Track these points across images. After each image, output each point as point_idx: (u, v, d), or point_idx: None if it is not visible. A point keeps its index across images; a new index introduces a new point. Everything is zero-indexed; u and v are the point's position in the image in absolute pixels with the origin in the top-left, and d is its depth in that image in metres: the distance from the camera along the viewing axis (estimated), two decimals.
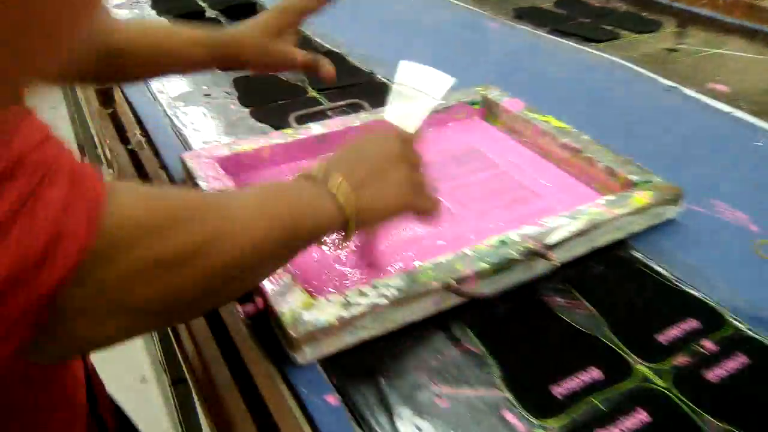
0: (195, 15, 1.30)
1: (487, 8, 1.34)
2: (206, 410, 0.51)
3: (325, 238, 0.47)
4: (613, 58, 1.07)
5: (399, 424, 0.45)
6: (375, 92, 0.93)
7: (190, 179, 0.67)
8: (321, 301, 0.50)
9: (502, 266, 0.55)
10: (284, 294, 0.50)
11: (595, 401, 0.46)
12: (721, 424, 0.44)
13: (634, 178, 0.66)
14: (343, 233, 0.46)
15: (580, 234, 0.59)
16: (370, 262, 0.58)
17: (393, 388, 0.47)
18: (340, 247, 0.56)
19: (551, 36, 1.18)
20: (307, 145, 0.74)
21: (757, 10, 1.22)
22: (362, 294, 0.50)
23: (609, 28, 1.22)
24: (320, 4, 0.66)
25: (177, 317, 0.43)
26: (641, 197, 0.63)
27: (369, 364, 0.49)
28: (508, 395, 0.47)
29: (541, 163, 0.75)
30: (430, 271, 0.53)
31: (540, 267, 0.57)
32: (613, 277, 0.58)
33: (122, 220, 0.31)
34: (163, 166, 0.75)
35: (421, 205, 0.51)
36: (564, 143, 0.73)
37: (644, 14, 1.30)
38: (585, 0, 1.39)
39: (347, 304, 0.50)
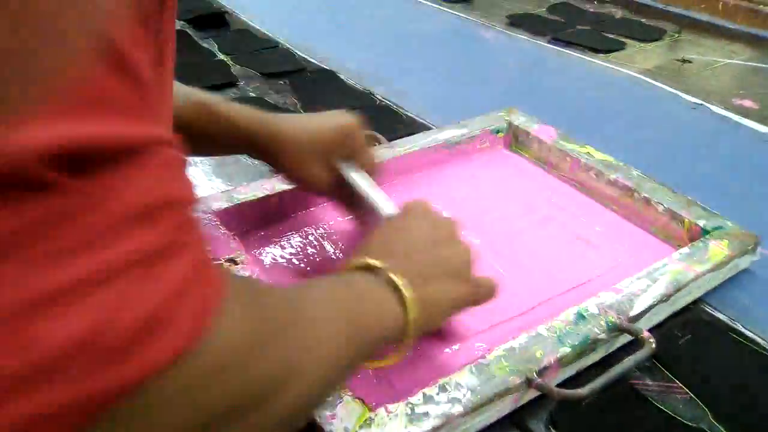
0: None
1: (477, 15, 1.25)
2: None
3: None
4: (629, 72, 0.99)
5: None
6: (379, 116, 0.83)
7: None
8: (381, 414, 0.40)
9: (585, 348, 0.46)
10: (333, 407, 0.40)
11: None
12: None
13: (702, 223, 0.59)
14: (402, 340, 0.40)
15: (665, 300, 0.50)
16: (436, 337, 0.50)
17: None
18: (401, 358, 0.41)
19: (552, 46, 1.10)
20: (268, 204, 0.61)
21: (761, 16, 1.17)
22: (429, 399, 0.41)
23: (611, 36, 1.15)
24: (373, 166, 0.56)
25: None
26: (719, 248, 0.55)
27: None
28: None
29: (588, 203, 0.66)
30: (504, 361, 0.44)
31: (642, 356, 0.46)
32: (704, 349, 0.50)
33: (225, 342, 0.26)
34: None
35: (482, 291, 0.46)
36: (613, 180, 0.65)
37: (643, 20, 1.23)
38: (578, 5, 1.31)
39: (413, 416, 0.40)
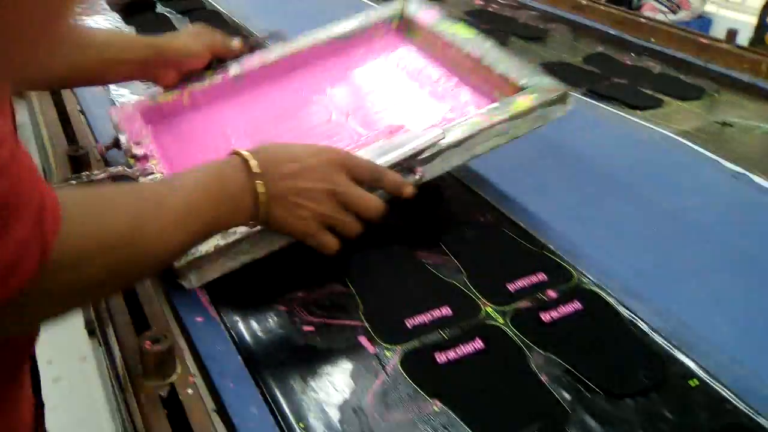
0: None
1: None
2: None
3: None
4: (666, 132, 0.95)
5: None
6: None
7: (116, 132, 0.72)
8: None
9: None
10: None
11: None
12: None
13: (523, 81, 0.68)
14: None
15: (456, 145, 0.61)
16: None
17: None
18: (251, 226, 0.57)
19: (587, 99, 1.07)
20: (224, 86, 0.77)
21: None
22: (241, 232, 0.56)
23: (649, 92, 1.11)
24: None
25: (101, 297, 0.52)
26: (523, 101, 0.65)
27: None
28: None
29: (448, 77, 0.76)
30: None
31: (411, 179, 0.60)
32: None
33: (69, 249, 0.38)
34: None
35: (320, 242, 0.56)
36: (467, 53, 0.74)
37: (682, 77, 1.19)
38: (616, 57, 1.28)
39: (225, 234, 0.55)
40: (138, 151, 0.67)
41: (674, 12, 3.42)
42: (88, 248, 0.40)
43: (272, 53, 0.80)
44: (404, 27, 0.83)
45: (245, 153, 0.52)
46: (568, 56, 1.27)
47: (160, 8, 1.41)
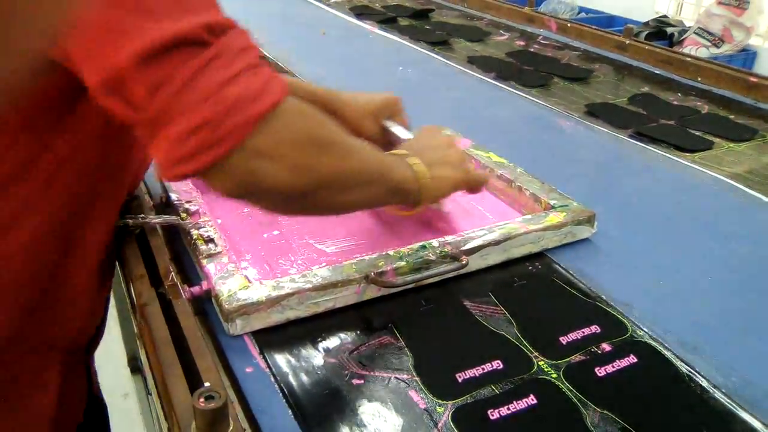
0: None
1: (555, 102, 1.22)
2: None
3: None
4: (718, 175, 0.93)
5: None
6: None
7: (167, 191, 0.75)
8: (255, 285, 0.59)
9: (419, 265, 0.64)
10: (226, 278, 0.60)
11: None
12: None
13: (553, 202, 0.76)
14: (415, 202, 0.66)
15: (495, 243, 0.68)
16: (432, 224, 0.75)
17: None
18: (414, 210, 0.69)
19: (635, 141, 1.05)
20: None
21: None
22: (292, 280, 0.60)
23: (697, 133, 1.09)
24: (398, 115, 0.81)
25: (312, 190, 0.54)
26: (556, 217, 0.73)
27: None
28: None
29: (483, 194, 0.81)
30: (353, 265, 0.62)
31: (454, 267, 0.65)
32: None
33: (295, 105, 0.51)
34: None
35: (473, 179, 0.72)
36: (500, 174, 0.83)
37: (731, 117, 1.17)
38: (661, 97, 1.26)
39: (277, 287, 0.58)
40: (191, 207, 0.71)
41: (717, 46, 3.38)
42: (308, 112, 0.53)
43: None
44: None
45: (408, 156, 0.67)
46: (612, 97, 1.27)
47: None
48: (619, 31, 3.20)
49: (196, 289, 0.61)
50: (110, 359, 1.67)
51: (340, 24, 1.79)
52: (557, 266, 0.70)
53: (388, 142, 0.76)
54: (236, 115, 0.46)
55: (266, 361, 0.56)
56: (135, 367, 1.70)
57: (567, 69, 1.41)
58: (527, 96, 1.25)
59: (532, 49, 1.57)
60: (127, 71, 0.43)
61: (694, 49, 3.25)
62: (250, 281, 0.59)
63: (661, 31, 3.42)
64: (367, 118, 0.77)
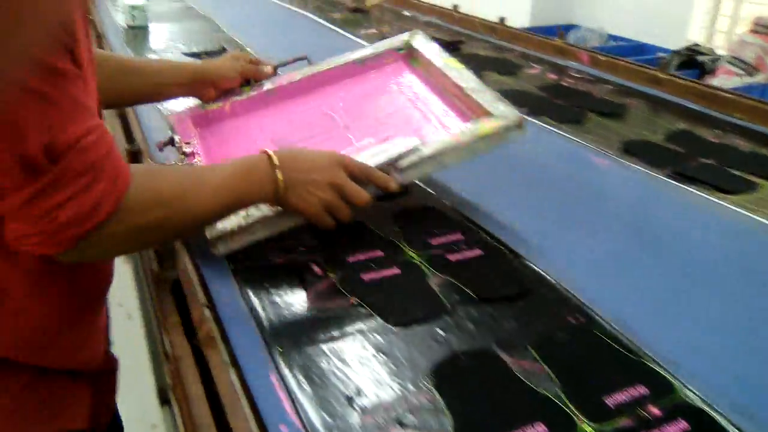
0: None
1: (590, 138, 1.20)
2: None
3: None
4: (762, 220, 0.90)
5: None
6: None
7: (172, 132, 0.96)
8: (232, 216, 0.73)
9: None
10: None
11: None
12: None
13: (491, 109, 0.84)
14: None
15: (429, 158, 0.80)
16: None
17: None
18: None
19: (673, 182, 1.03)
20: (259, 98, 0.99)
21: None
22: (259, 209, 0.75)
23: (739, 174, 1.06)
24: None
25: (152, 245, 0.75)
26: (487, 124, 0.82)
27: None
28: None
29: (435, 100, 0.94)
30: None
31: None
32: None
33: (135, 199, 0.59)
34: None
35: (322, 221, 0.75)
36: (454, 82, 0.91)
37: None
38: (699, 134, 1.24)
39: (246, 216, 0.74)
40: (187, 149, 0.88)
41: (750, 74, 3.33)
42: (148, 200, 0.61)
43: (299, 73, 1.02)
44: (410, 56, 1.02)
45: (270, 151, 0.72)
46: (648, 133, 1.24)
47: None
48: (650, 60, 3.17)
49: None
50: (137, 386, 1.67)
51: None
52: (601, 317, 0.68)
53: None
54: (64, 233, 0.55)
55: (300, 419, 0.54)
56: (164, 399, 1.69)
57: (600, 104, 1.39)
58: (560, 132, 1.23)
59: (564, 83, 1.55)
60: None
61: (727, 78, 3.21)
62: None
63: (692, 60, 3.38)
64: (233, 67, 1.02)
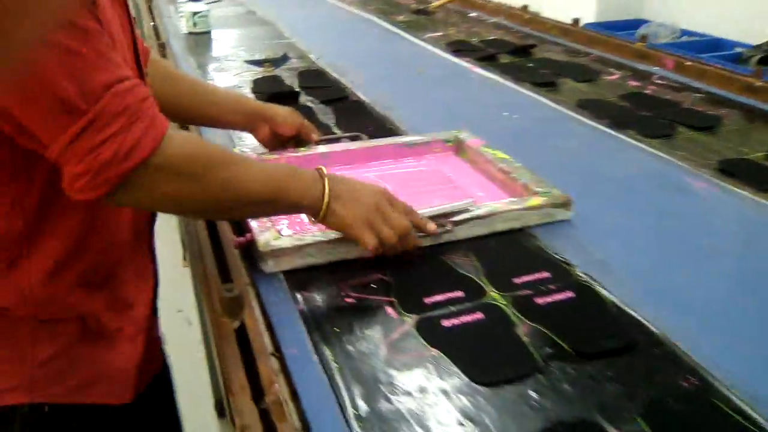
0: None
1: (682, 156, 1.09)
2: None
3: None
4: None
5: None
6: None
7: None
8: (285, 237, 0.77)
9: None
10: (263, 232, 0.77)
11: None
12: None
13: (538, 189, 0.88)
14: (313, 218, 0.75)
15: (480, 218, 0.83)
16: None
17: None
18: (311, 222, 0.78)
19: None
20: (313, 159, 1.00)
21: None
22: (313, 235, 0.77)
23: None
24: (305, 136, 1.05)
25: (191, 210, 0.73)
26: (536, 200, 0.86)
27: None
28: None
29: (483, 182, 1.00)
30: None
31: (446, 235, 0.81)
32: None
33: (174, 149, 0.63)
34: None
35: (364, 238, 0.74)
36: (500, 168, 0.97)
37: None
38: None
39: (301, 239, 0.76)
40: None
41: None
42: (190, 152, 0.65)
43: (355, 145, 1.07)
44: (458, 148, 1.09)
45: (322, 168, 0.75)
46: (747, 149, 1.13)
47: (303, 98, 1.41)
48: (728, 56, 2.97)
49: (241, 239, 0.79)
50: (197, 402, 1.65)
51: (438, 62, 1.72)
52: (720, 382, 0.59)
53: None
54: (106, 172, 0.58)
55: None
56: (221, 411, 1.67)
57: (690, 115, 1.28)
58: (648, 148, 1.14)
59: (647, 91, 1.44)
60: (32, 116, 0.58)
61: None
62: (281, 234, 0.77)
63: None
64: (290, 121, 1.03)
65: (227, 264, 0.77)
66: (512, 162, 0.98)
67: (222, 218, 0.84)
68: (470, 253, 0.80)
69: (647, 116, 1.29)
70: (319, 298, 0.72)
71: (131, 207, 0.70)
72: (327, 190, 0.72)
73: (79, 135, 0.57)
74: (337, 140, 1.12)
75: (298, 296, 0.72)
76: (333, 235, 0.76)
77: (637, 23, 3.40)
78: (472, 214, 0.83)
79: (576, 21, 1.92)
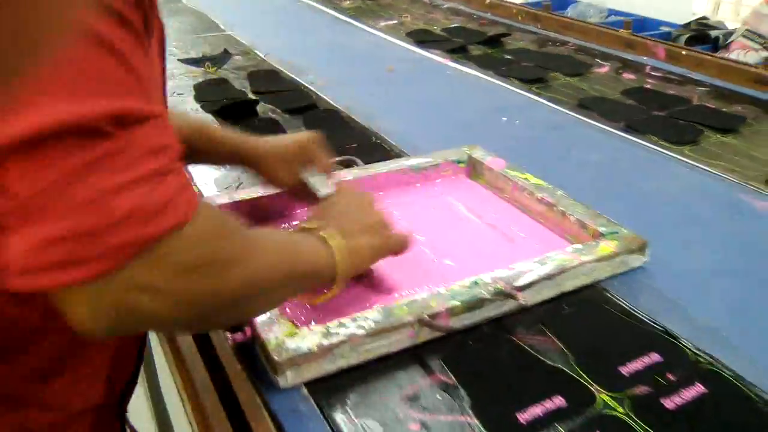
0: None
1: (723, 168, 0.95)
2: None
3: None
4: None
5: None
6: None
7: None
8: (304, 331, 0.55)
9: (473, 304, 0.60)
10: (271, 324, 0.55)
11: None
12: None
13: (602, 229, 0.71)
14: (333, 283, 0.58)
15: (548, 278, 0.64)
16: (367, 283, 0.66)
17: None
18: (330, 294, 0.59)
19: None
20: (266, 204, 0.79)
21: None
22: (342, 325, 0.56)
23: None
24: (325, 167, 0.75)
25: (206, 317, 0.47)
26: (608, 246, 0.68)
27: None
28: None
29: (519, 215, 0.80)
30: (405, 307, 0.58)
31: (509, 306, 0.62)
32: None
33: (204, 220, 0.43)
34: None
35: (395, 244, 0.65)
36: (540, 198, 0.78)
37: None
38: None
39: (327, 334, 0.55)
40: None
41: None
42: (217, 226, 0.45)
43: (350, 173, 0.86)
44: (472, 170, 0.90)
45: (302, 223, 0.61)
46: None
47: (262, 107, 1.17)
48: (660, 35, 2.92)
49: (239, 336, 0.59)
50: None
51: (403, 55, 1.52)
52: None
53: (306, 192, 0.72)
54: (119, 233, 0.38)
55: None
56: None
57: (709, 115, 1.14)
58: (683, 158, 0.98)
59: (647, 86, 1.30)
60: (7, 149, 0.36)
61: (743, 53, 3.01)
62: (297, 326, 0.56)
63: (703, 35, 3.16)
64: (281, 166, 0.73)
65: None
66: (552, 189, 0.80)
67: (221, 323, 0.59)
68: (546, 329, 0.60)
69: (661, 117, 1.14)
70: (370, 425, 0.51)
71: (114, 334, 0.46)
72: (334, 233, 0.57)
73: (90, 166, 0.38)
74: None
75: (339, 421, 0.51)
76: (369, 321, 0.56)
77: (566, 3, 3.33)
78: (539, 273, 0.64)
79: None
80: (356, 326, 0.56)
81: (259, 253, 0.49)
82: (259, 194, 0.79)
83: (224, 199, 0.78)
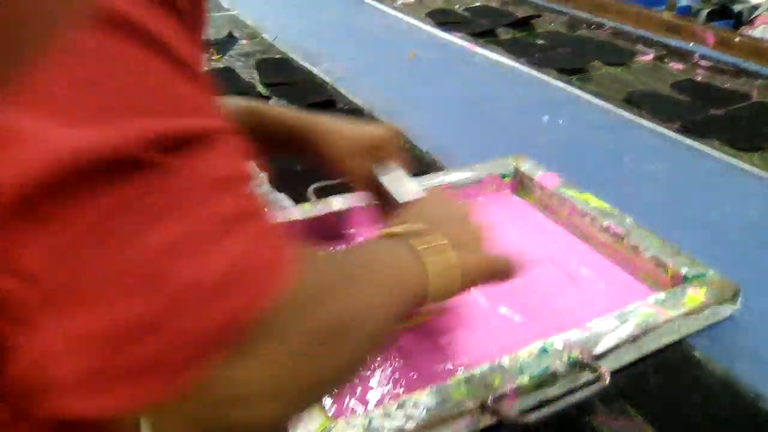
0: None
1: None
2: None
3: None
4: None
5: None
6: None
7: None
8: (340, 424, 0.44)
9: (544, 381, 0.48)
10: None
11: None
12: None
13: (684, 270, 0.60)
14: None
15: (632, 340, 0.52)
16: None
17: None
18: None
19: None
20: (326, 222, 0.69)
21: None
22: (387, 415, 0.45)
23: None
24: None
25: (317, 397, 0.37)
26: (695, 295, 0.57)
27: None
28: None
29: (580, 247, 0.69)
30: (463, 387, 0.47)
31: (591, 388, 0.49)
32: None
33: (306, 277, 0.29)
34: None
35: (503, 268, 0.47)
36: (605, 227, 0.67)
37: None
38: None
39: (369, 429, 0.44)
40: None
41: None
42: (324, 284, 0.32)
43: None
44: (519, 186, 0.79)
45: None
46: None
47: (273, 102, 1.05)
48: (681, 9, 2.76)
49: None
50: None
51: (425, 40, 1.39)
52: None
53: (377, 190, 0.59)
54: (192, 319, 0.24)
55: None
56: None
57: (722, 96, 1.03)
58: (758, 171, 0.86)
59: (698, 77, 1.17)
60: (7, 207, 0.22)
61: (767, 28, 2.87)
62: (330, 419, 0.45)
63: (725, 9, 3.01)
64: (353, 157, 0.59)
65: None
66: (620, 217, 0.68)
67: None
68: (628, 406, 0.49)
69: (722, 117, 1.02)
70: None
71: None
72: (442, 240, 0.42)
73: (128, 211, 0.26)
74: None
75: None
76: (419, 408, 0.45)
77: None
78: (619, 335, 0.52)
79: None
80: (404, 416, 0.45)
81: (365, 299, 0.35)
82: (279, 219, 0.66)
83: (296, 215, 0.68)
